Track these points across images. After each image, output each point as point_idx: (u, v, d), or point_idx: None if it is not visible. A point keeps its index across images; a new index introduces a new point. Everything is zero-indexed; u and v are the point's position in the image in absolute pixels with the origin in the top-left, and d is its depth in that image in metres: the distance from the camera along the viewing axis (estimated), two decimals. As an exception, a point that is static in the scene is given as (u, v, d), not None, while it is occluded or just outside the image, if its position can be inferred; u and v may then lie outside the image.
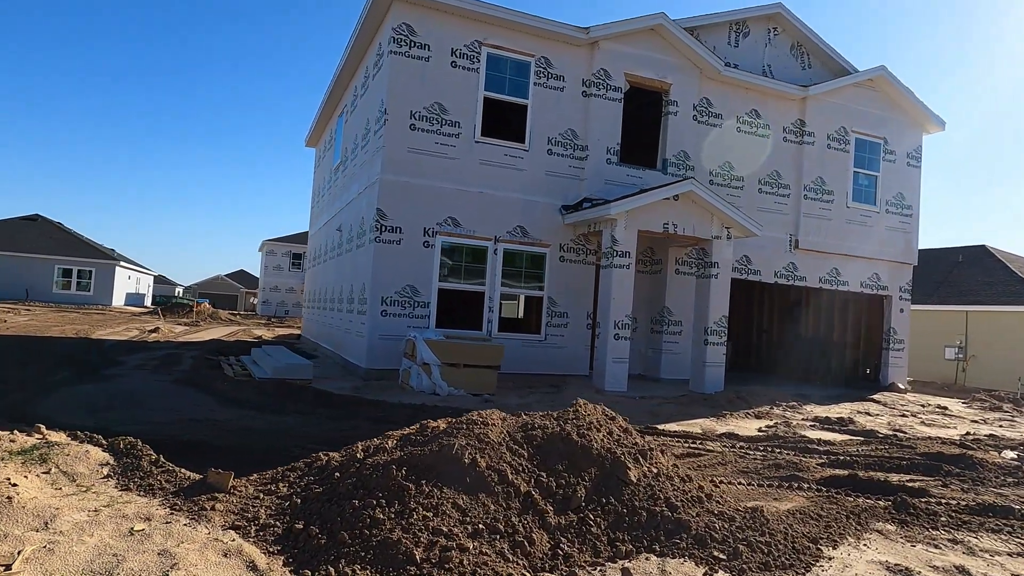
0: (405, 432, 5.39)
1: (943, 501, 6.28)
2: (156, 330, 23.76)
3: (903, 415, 12.62)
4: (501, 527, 4.10)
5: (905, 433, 10.33)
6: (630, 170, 13.28)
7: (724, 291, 12.70)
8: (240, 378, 10.65)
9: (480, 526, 4.07)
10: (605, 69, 13.08)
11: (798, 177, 15.16)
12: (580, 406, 5.55)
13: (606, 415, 5.67)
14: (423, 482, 4.33)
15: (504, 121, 12.63)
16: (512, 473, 4.55)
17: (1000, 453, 9.00)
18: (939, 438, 9.94)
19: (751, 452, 7.94)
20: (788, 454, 7.96)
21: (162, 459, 5.00)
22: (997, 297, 24.38)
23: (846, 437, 9.55)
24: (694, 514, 4.57)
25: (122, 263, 48.59)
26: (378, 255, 11.47)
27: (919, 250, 32.88)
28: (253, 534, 4.02)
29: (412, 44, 11.68)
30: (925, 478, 7.28)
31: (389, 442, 4.97)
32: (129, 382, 10.25)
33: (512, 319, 12.62)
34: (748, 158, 14.63)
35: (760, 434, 9.12)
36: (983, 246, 28.95)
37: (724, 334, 12.70)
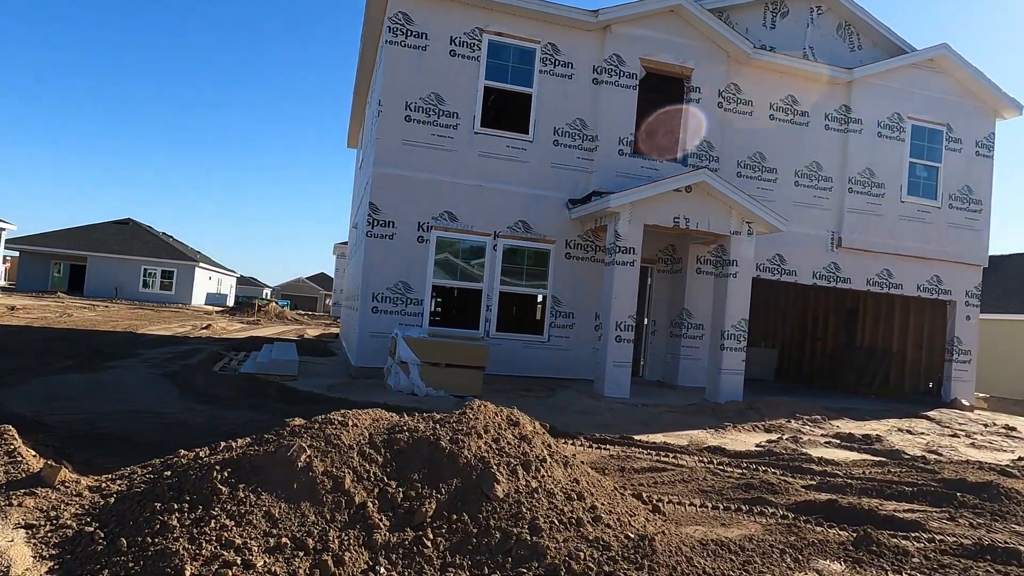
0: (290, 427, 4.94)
1: (933, 538, 5.28)
2: (208, 327, 24.58)
3: (954, 435, 11.12)
4: (310, 543, 3.56)
5: (940, 455, 9.00)
6: (645, 162, 12.41)
7: (744, 292, 11.60)
8: (225, 372, 10.58)
9: (284, 540, 3.54)
10: (618, 54, 12.27)
11: (842, 169, 13.76)
12: (475, 408, 4.92)
13: (509, 420, 5.01)
14: (242, 486, 3.85)
15: (507, 111, 12.08)
16: (352, 481, 4.00)
17: (1047, 483, 7.63)
18: (979, 462, 8.59)
19: (729, 469, 7.03)
20: (773, 473, 7.00)
21: (20, 450, 4.76)
22: (1101, 306, 21.59)
23: (862, 457, 8.39)
24: (560, 539, 3.87)
25: (202, 264, 51.13)
26: (370, 250, 11.15)
27: (1017, 254, 29.83)
28: (41, 535, 3.65)
29: (408, 33, 11.32)
30: (929, 509, 6.19)
31: (241, 440, 4.53)
32: (118, 374, 10.35)
33: (513, 319, 12.03)
34: (783, 148, 13.40)
35: (754, 450, 8.13)
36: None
37: (743, 338, 11.60)
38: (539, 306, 12.11)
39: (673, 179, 11.01)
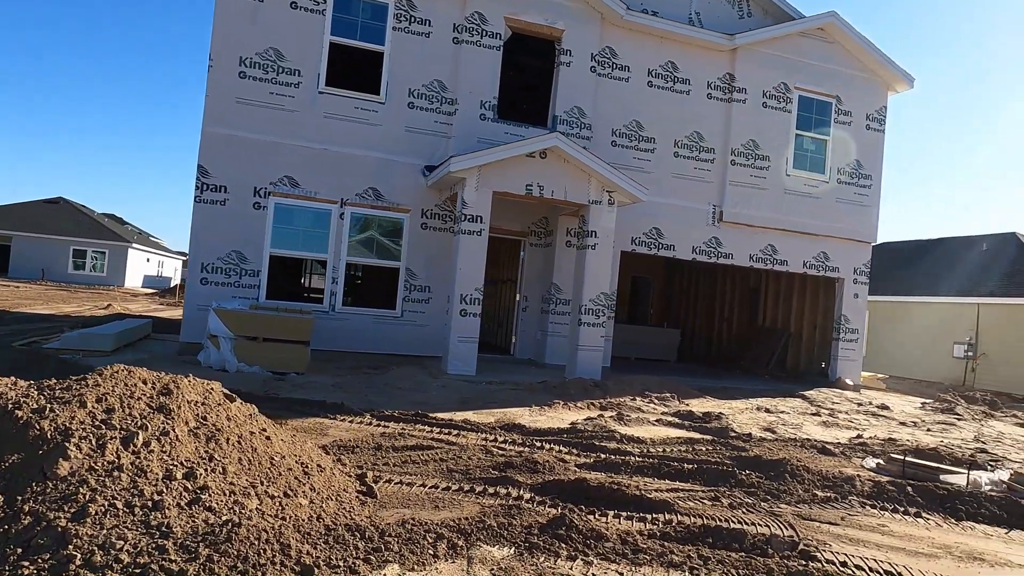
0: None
1: (669, 519, 4.77)
2: (108, 306, 23.49)
3: (815, 414, 10.74)
4: None
5: (775, 434, 8.57)
6: (511, 127, 11.73)
7: (604, 264, 11.03)
8: (24, 347, 9.72)
9: None
10: (480, 13, 11.54)
11: (725, 140, 13.25)
12: (107, 374, 4.21)
13: (163, 389, 4.32)
14: None
15: (356, 70, 11.29)
16: None
17: (862, 461, 7.21)
18: (811, 440, 8.16)
19: (508, 448, 6.46)
20: (556, 451, 6.46)
21: None
22: (1012, 288, 21.57)
23: (682, 434, 7.89)
24: (108, 526, 3.20)
25: (136, 246, 49.36)
26: (198, 217, 10.32)
27: (941, 238, 29.93)
28: None
29: (243, -18, 10.46)
30: (698, 488, 5.70)
31: None
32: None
33: (363, 293, 11.31)
34: (662, 117, 12.82)
35: (562, 427, 7.56)
36: (1014, 233, 25.90)
37: (603, 314, 11.04)
38: (393, 279, 11.39)
39: (523, 143, 10.35)
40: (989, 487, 6.29)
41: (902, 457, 6.92)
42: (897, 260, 29.06)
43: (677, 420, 8.71)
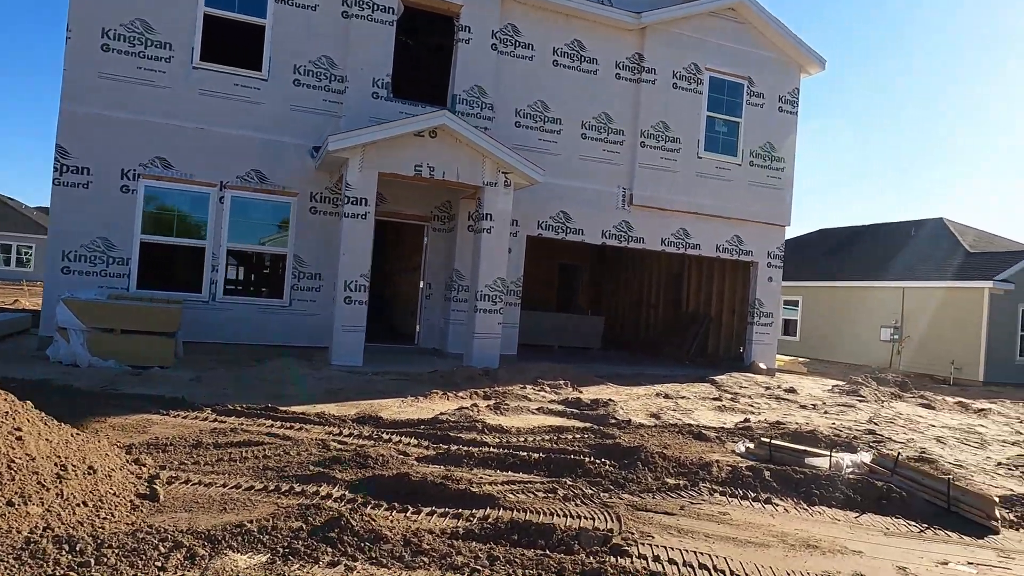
0: None
1: (477, 517, 4.50)
2: (15, 301, 22.29)
3: (716, 398, 10.55)
4: None
5: (658, 419, 8.29)
6: (407, 107, 11.19)
7: (500, 248, 10.62)
8: None
9: None
10: (371, -15, 10.98)
11: (634, 121, 12.95)
12: None
13: None
14: None
15: (235, 45, 10.60)
16: None
17: (734, 446, 6.95)
18: (692, 425, 7.90)
19: (350, 441, 6.03)
20: (400, 444, 6.01)
21: None
22: (934, 272, 21.96)
23: (555, 422, 7.55)
24: None
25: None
26: (57, 201, 9.55)
27: (875, 224, 30.45)
28: None
29: (105, -53, 9.69)
30: (540, 479, 5.36)
31: None
32: None
33: (247, 281, 10.70)
34: (569, 97, 12.44)
35: (423, 418, 7.11)
36: (941, 219, 26.43)
37: (500, 300, 10.65)
38: (280, 267, 10.79)
39: (410, 121, 9.85)
40: (850, 469, 6.07)
41: (769, 441, 6.68)
42: (833, 246, 29.46)
43: (560, 408, 8.36)
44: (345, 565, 3.45)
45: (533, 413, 8.02)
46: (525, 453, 5.83)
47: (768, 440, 6.72)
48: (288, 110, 10.65)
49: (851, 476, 5.80)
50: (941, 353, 20.50)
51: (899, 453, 5.90)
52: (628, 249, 13.58)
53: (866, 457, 6.21)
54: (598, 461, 5.82)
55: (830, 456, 6.24)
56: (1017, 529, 5.36)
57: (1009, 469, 7.44)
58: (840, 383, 13.68)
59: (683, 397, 10.38)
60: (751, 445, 6.82)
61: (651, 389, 10.78)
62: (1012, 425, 10.96)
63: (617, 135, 12.84)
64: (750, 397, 11.01)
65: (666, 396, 10.23)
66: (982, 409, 12.36)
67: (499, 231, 10.52)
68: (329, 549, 3.58)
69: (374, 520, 3.90)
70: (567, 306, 19.89)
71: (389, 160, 9.85)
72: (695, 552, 4.11)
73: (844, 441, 7.49)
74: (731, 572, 3.89)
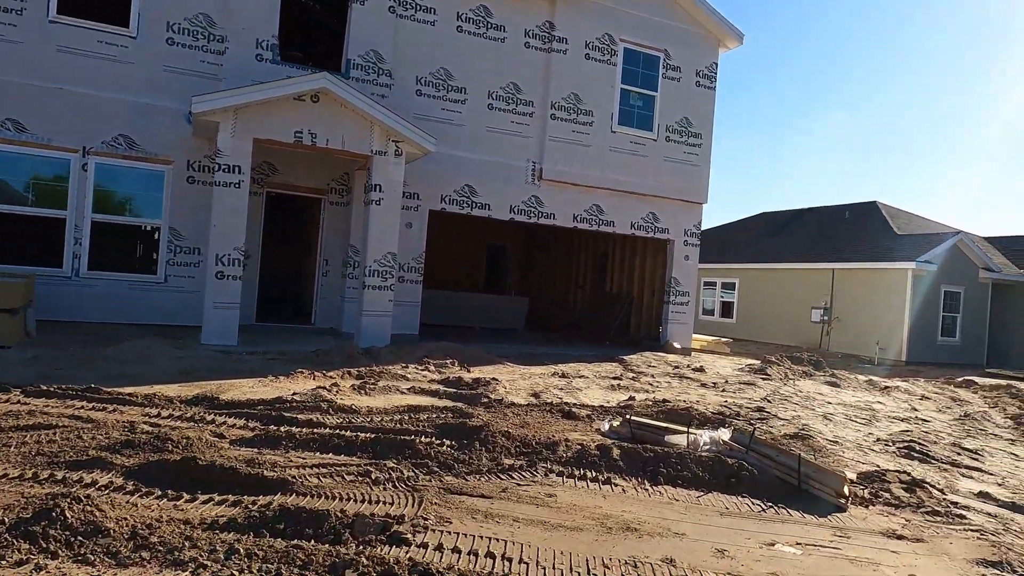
0: None
1: (252, 504, 3.97)
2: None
3: (615, 378, 10.26)
4: None
5: (537, 399, 7.91)
6: (295, 71, 10.49)
7: (391, 222, 10.07)
8: None
9: None
10: (254, -62, 10.23)
11: (544, 92, 12.48)
12: None
13: None
14: None
15: (100, -2, 9.77)
16: None
17: (602, 424, 6.61)
18: (569, 404, 7.54)
19: (162, 423, 5.45)
20: (223, 426, 5.50)
21: None
22: (861, 253, 22.18)
23: (421, 401, 7.09)
24: None
25: None
26: None
27: (812, 208, 30.74)
28: None
29: None
30: (358, 461, 5.00)
31: None
32: None
33: (116, 255, 9.92)
34: (474, 66, 11.90)
35: (268, 399, 6.57)
36: (874, 202, 26.76)
37: (391, 275, 10.12)
38: (153, 240, 10.06)
39: (287, 83, 9.19)
40: (707, 447, 5.77)
41: (630, 418, 6.35)
42: (772, 228, 29.66)
43: (436, 388, 7.91)
44: (36, 564, 2.94)
45: (402, 393, 7.55)
46: (354, 433, 5.36)
47: (630, 418, 6.39)
48: (161, 71, 9.87)
49: (704, 454, 5.49)
50: (867, 334, 20.74)
51: (755, 428, 5.62)
52: (557, 228, 13.19)
53: (726, 434, 5.91)
54: (436, 441, 5.39)
55: (687, 433, 5.94)
56: (867, 506, 5.13)
57: (886, 445, 7.29)
58: (754, 362, 13.57)
59: (581, 376, 10.05)
60: (615, 423, 6.48)
61: (551, 369, 10.42)
62: (911, 402, 10.94)
63: (526, 106, 12.36)
64: (653, 376, 10.75)
65: (562, 375, 9.88)
66: (888, 387, 12.38)
67: (390, 203, 9.97)
68: (26, 545, 3.07)
69: (98, 511, 3.38)
70: (496, 288, 19.47)
71: (266, 125, 9.18)
72: (491, 539, 3.72)
73: (719, 418, 7.23)
74: (521, 560, 3.51)
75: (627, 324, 15.82)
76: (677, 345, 13.66)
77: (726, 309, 26.98)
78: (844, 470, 5.86)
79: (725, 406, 8.58)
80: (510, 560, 3.49)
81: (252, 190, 10.84)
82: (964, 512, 5.16)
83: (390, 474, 4.63)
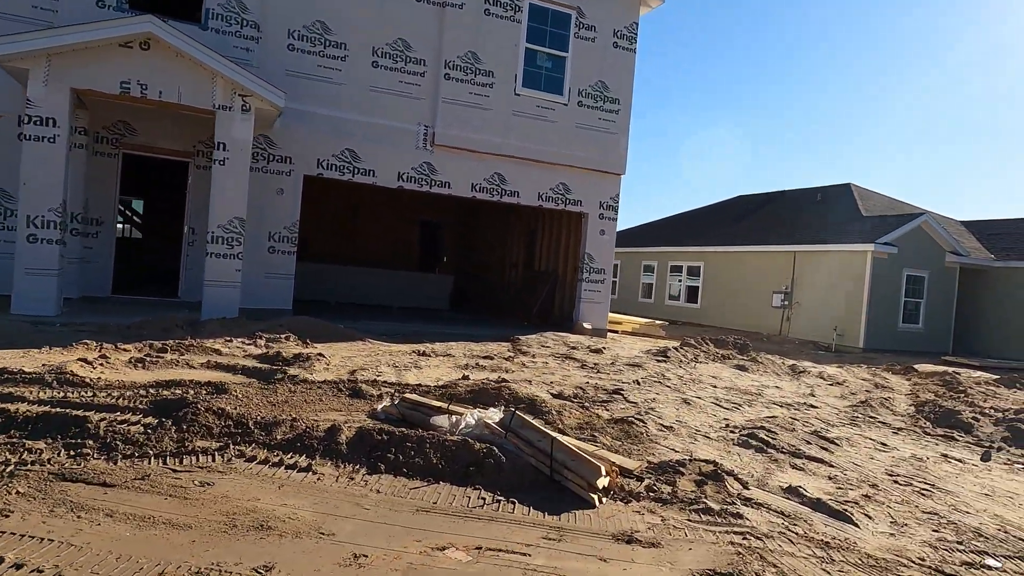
0: None
1: None
2: None
3: (487, 357, 9.39)
4: None
5: (352, 376, 7.06)
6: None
7: (238, 184, 9.21)
8: None
9: None
10: None
11: (438, 50, 11.54)
12: None
13: None
14: None
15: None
16: None
17: (379, 405, 5.77)
18: (374, 382, 6.69)
19: None
20: None
21: None
22: (822, 236, 21.13)
23: (207, 376, 6.27)
24: None
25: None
26: None
27: (784, 191, 29.58)
28: None
29: None
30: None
31: None
32: None
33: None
34: (356, 19, 10.96)
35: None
36: (848, 184, 25.62)
37: (237, 243, 9.28)
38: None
39: (107, 25, 8.32)
40: (468, 429, 4.92)
41: (402, 397, 5.50)
42: (742, 212, 28.61)
43: (240, 363, 7.08)
44: None
45: (192, 368, 6.72)
46: (26, 408, 4.55)
47: (401, 396, 5.55)
48: (-15, 16, 9.04)
49: (451, 439, 4.64)
50: (826, 319, 19.77)
51: (514, 410, 4.77)
52: (495, 203, 12.27)
53: (496, 415, 5.06)
54: (132, 419, 4.58)
55: (449, 414, 5.10)
56: (628, 502, 4.29)
57: (731, 432, 6.42)
58: (671, 345, 12.66)
59: (447, 355, 9.22)
60: (387, 404, 5.63)
61: (417, 347, 9.56)
62: (817, 388, 10.04)
63: (417, 65, 11.42)
64: (533, 357, 9.89)
65: (421, 354, 9.03)
66: (804, 372, 11.47)
67: (236, 164, 9.11)
68: None
69: None
70: (433, 267, 18.62)
71: (86, 73, 8.33)
72: (43, 539, 2.95)
73: (557, 400, 6.37)
74: (39, 570, 2.70)
75: (551, 303, 14.93)
76: (588, 326, 12.77)
77: (692, 294, 26.03)
78: (632, 459, 5.03)
79: (579, 388, 7.73)
80: (40, 571, 2.70)
81: (105, 151, 10.06)
82: (745, 511, 4.32)
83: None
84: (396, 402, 5.62)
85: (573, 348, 11.06)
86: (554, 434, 4.69)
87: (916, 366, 14.11)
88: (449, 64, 11.53)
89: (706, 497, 4.48)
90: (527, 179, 12.28)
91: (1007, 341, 19.90)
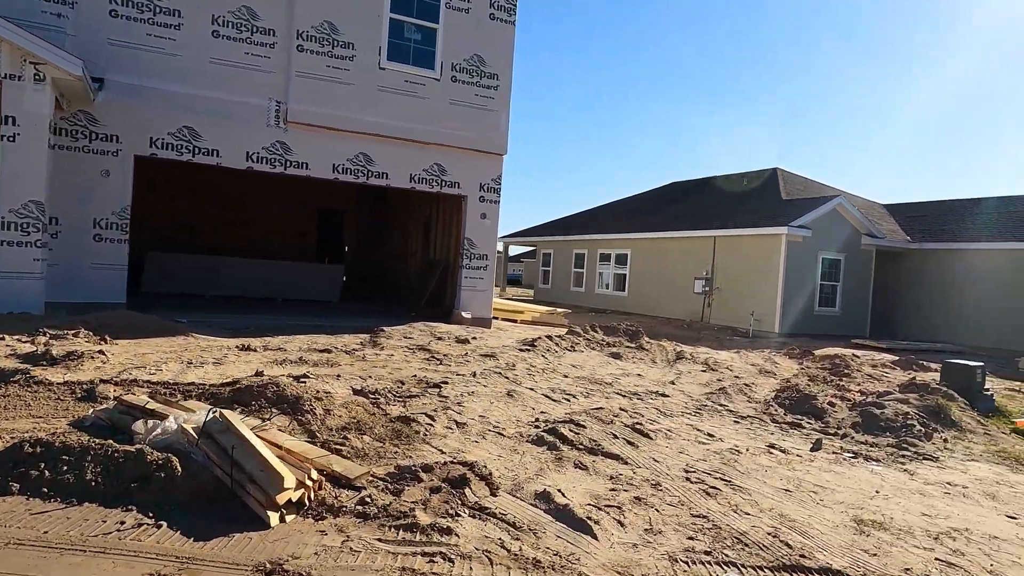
0: None
1: None
2: None
3: (322, 351, 8.59)
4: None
5: (96, 383, 6.20)
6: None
7: (31, 161, 8.20)
8: None
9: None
10: None
11: (288, 19, 10.63)
12: None
13: None
14: None
15: None
16: None
17: (106, 405, 4.94)
18: (107, 382, 5.85)
19: None
20: None
21: None
22: (741, 220, 20.76)
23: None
24: None
25: None
26: None
27: (716, 176, 29.31)
28: None
29: None
30: None
31: None
32: None
33: None
34: (192, -16, 10.02)
35: None
36: (775, 169, 25.37)
37: (35, 229, 8.29)
38: None
39: None
40: (165, 436, 4.14)
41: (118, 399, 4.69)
42: (672, 198, 28.25)
43: (-15, 362, 6.17)
44: None
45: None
46: None
47: (119, 399, 4.75)
48: None
49: (124, 449, 3.85)
50: (744, 304, 19.41)
51: (210, 414, 4.02)
52: (395, 190, 11.38)
53: (201, 417, 4.27)
54: None
55: (146, 420, 4.31)
56: (320, 519, 3.62)
57: (538, 426, 5.77)
58: (558, 333, 12.01)
59: (280, 349, 8.39)
60: (101, 408, 4.82)
61: (247, 342, 8.70)
62: (684, 376, 9.49)
63: (265, 35, 10.51)
64: (384, 349, 9.15)
65: (244, 348, 8.21)
66: (686, 358, 10.95)
67: (30, 140, 8.11)
68: None
69: None
70: (332, 257, 17.69)
71: None
72: None
73: (295, 397, 5.59)
74: None
75: (442, 292, 14.17)
76: (467, 315, 12.04)
77: (620, 283, 25.56)
78: (367, 465, 4.32)
79: (400, 382, 7.04)
80: None
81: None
82: (463, 525, 3.73)
83: None
84: (115, 406, 4.81)
85: (439, 339, 10.34)
86: (253, 439, 3.92)
87: (817, 350, 13.74)
88: (302, 35, 10.64)
89: (425, 509, 3.82)
90: (397, 159, 11.47)
91: (923, 324, 19.84)
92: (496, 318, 15.92)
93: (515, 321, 15.19)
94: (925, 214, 22.90)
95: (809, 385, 8.92)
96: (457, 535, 3.52)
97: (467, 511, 3.86)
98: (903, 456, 6.03)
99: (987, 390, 8.76)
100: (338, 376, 6.96)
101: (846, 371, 10.74)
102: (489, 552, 3.41)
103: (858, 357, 12.89)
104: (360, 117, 11.07)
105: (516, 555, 3.40)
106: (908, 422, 7.01)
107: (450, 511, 3.82)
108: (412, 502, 3.88)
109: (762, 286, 19.13)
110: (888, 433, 6.76)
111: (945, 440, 6.73)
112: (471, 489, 4.17)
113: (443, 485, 4.15)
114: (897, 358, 13.46)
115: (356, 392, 6.33)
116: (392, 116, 11.31)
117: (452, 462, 4.55)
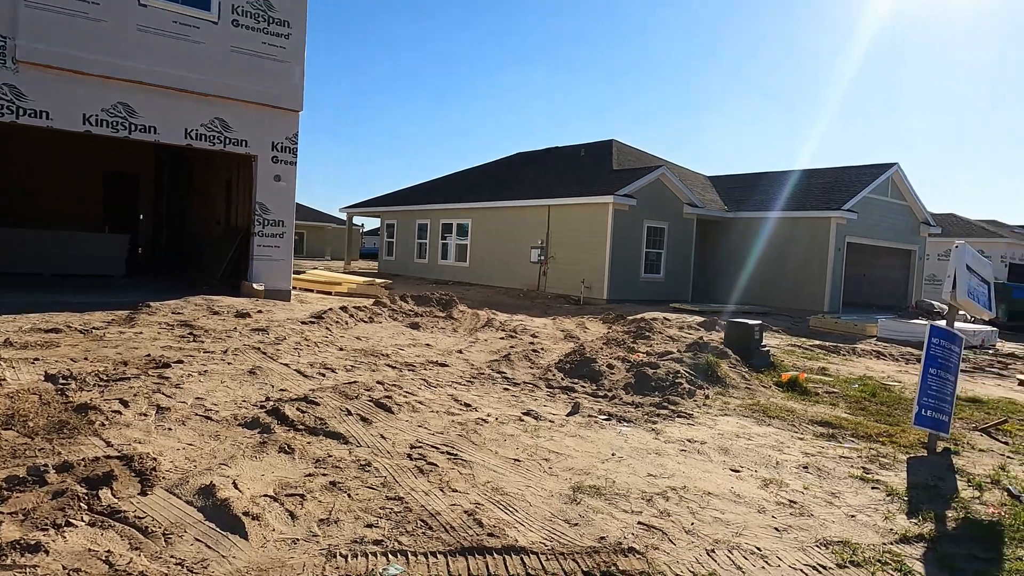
0: None
1: None
2: None
3: (50, 331, 7.30)
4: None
5: None
6: None
7: None
8: None
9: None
10: None
11: (13, -63, 8.90)
12: None
13: None
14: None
15: None
16: None
17: None
18: None
19: None
20: None
21: None
22: (573, 189, 20.93)
23: None
24: None
25: None
26: None
27: (558, 147, 29.61)
28: None
29: None
30: None
31: None
32: None
33: None
34: None
35: None
36: (611, 140, 25.81)
37: None
38: None
39: None
40: None
41: None
42: (517, 167, 28.10)
43: None
44: None
45: None
46: None
47: None
48: None
49: None
50: (577, 272, 19.59)
51: None
52: (170, 147, 9.69)
53: None
54: None
55: None
56: None
57: (262, 407, 5.05)
58: (355, 305, 11.24)
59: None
60: None
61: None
62: (478, 344, 9.14)
63: (-19, -45, 8.71)
64: (136, 326, 7.95)
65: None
66: (489, 325, 10.64)
67: None
68: None
69: None
70: (122, 226, 15.66)
71: None
72: None
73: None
74: None
75: (243, 262, 12.91)
76: (259, 287, 10.96)
77: (461, 253, 25.11)
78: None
79: (123, 363, 6.04)
80: None
81: None
82: (76, 531, 3.00)
83: None
84: None
85: (216, 313, 9.25)
86: None
87: (633, 315, 14.05)
88: (32, -43, 8.93)
89: (24, 521, 3.04)
90: (168, 112, 10.06)
91: (736, 288, 21.08)
92: (311, 291, 14.88)
93: (330, 293, 14.24)
94: (743, 185, 24.33)
95: (601, 349, 8.85)
96: (47, 552, 2.78)
97: (88, 517, 3.14)
98: (659, 415, 5.95)
99: (764, 347, 9.12)
100: (36, 360, 5.83)
101: (648, 333, 10.87)
102: (80, 571, 2.70)
103: (669, 320, 13.29)
104: (116, 61, 9.53)
105: (120, 569, 2.73)
106: (676, 380, 7.04)
107: (60, 520, 3.08)
108: (10, 512, 3.09)
109: (592, 254, 19.43)
110: (657, 393, 6.73)
111: (707, 396, 6.80)
112: (113, 489, 3.45)
113: (75, 487, 3.40)
114: (704, 319, 14.00)
115: (47, 378, 5.29)
116: (159, 63, 9.87)
117: (110, 457, 3.80)
